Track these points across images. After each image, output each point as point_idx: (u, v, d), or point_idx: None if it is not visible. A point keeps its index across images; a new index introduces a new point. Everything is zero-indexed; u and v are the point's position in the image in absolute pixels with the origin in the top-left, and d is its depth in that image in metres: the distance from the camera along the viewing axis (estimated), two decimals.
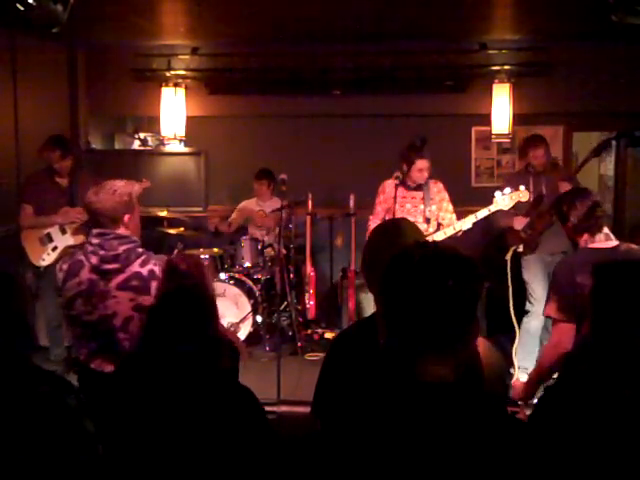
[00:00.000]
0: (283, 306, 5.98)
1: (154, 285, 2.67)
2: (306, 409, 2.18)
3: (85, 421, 1.59)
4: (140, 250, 2.79)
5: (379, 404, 1.27)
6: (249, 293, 5.70)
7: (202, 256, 5.70)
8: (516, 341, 4.83)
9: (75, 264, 2.74)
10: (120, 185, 2.78)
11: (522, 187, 4.64)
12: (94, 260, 2.70)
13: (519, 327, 4.85)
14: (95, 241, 2.73)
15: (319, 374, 2.07)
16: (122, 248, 2.72)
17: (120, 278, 2.69)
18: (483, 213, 4.61)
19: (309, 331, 6.02)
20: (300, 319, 6.05)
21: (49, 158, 4.97)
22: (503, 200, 4.59)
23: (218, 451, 1.85)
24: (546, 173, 5.00)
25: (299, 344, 5.70)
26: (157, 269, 2.72)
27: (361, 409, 1.29)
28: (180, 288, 2.21)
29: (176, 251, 5.62)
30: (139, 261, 2.73)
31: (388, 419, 1.23)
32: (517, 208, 4.92)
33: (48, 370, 1.70)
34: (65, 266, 2.76)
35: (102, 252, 2.70)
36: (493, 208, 4.62)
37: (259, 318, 5.76)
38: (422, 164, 4.72)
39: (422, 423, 1.21)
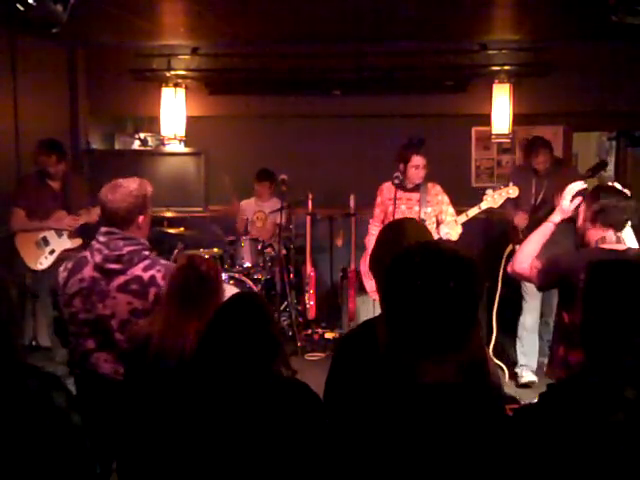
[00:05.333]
0: (283, 306, 5.98)
1: (152, 291, 2.61)
2: None
3: (73, 415, 1.58)
4: (146, 253, 2.70)
5: (382, 406, 1.26)
6: None
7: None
8: (492, 341, 4.84)
9: (79, 261, 2.71)
10: (135, 185, 2.70)
11: (511, 183, 4.62)
12: (98, 258, 2.66)
13: (497, 328, 4.86)
14: (102, 239, 2.68)
15: (327, 377, 2.04)
16: (127, 249, 2.65)
17: (121, 280, 2.63)
18: (474, 211, 4.60)
19: (309, 331, 6.03)
20: (300, 319, 6.06)
21: (44, 162, 4.91)
22: (494, 198, 4.56)
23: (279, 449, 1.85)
24: (549, 176, 4.91)
25: (299, 344, 5.70)
26: (159, 275, 2.64)
27: (365, 411, 1.29)
28: (242, 295, 2.24)
29: (176, 251, 5.62)
30: (142, 265, 2.65)
31: (391, 421, 1.23)
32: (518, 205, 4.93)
33: (34, 365, 1.69)
34: (70, 264, 2.72)
35: (107, 251, 2.65)
36: (484, 206, 4.59)
37: None
38: (418, 160, 4.70)
39: (424, 425, 1.21)
